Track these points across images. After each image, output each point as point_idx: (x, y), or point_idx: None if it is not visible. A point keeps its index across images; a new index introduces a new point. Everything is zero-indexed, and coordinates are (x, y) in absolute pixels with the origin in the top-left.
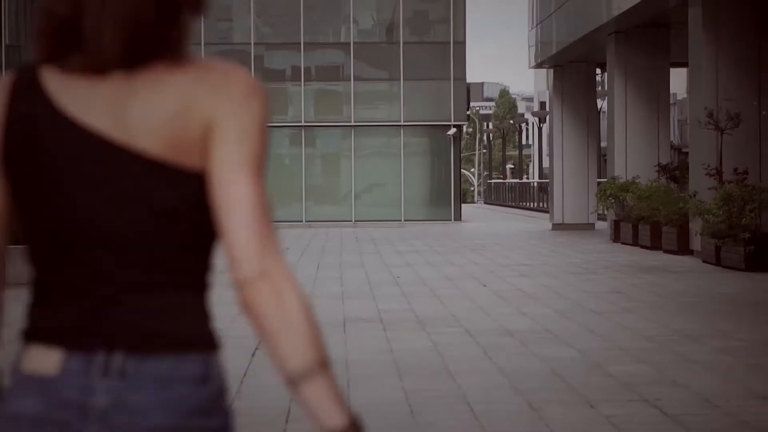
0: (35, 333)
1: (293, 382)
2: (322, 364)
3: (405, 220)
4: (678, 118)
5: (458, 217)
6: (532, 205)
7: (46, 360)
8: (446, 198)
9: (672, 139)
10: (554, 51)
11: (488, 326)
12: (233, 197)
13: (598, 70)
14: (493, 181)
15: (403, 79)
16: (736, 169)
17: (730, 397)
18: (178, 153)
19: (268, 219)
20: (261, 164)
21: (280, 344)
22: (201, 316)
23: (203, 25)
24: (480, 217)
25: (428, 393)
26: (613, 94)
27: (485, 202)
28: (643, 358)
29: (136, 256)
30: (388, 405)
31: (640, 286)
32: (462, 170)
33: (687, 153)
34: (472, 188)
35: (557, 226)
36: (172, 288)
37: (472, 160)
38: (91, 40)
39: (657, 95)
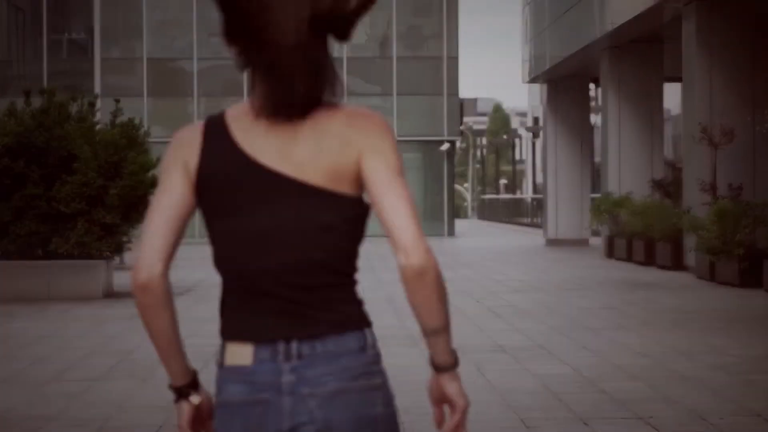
0: (231, 332)
1: (428, 334)
2: (447, 325)
3: None
4: (672, 134)
5: (452, 232)
6: (526, 221)
7: (242, 354)
8: (439, 213)
9: (666, 154)
10: (548, 66)
11: (481, 342)
12: (395, 199)
13: (592, 85)
14: (486, 196)
15: (396, 94)
16: (730, 185)
17: (724, 414)
18: (334, 182)
19: (416, 211)
20: (402, 171)
21: (424, 310)
22: (353, 303)
23: (196, 40)
24: (473, 233)
25: (420, 410)
26: (607, 110)
27: (479, 218)
28: (636, 374)
29: (306, 264)
30: None
31: (633, 302)
32: (455, 185)
33: (681, 168)
34: (465, 203)
35: (551, 242)
36: (331, 285)
37: (466, 176)
38: (286, 96)
39: (651, 110)
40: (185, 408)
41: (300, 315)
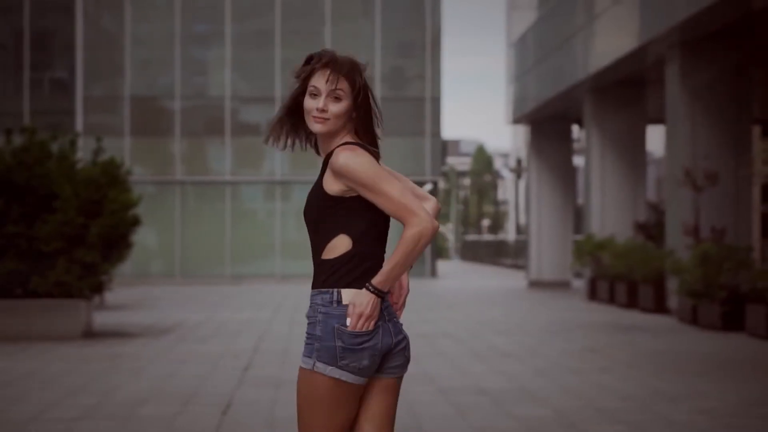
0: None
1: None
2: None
3: None
4: (655, 176)
5: (434, 273)
6: (508, 262)
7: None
8: (422, 254)
9: (649, 196)
10: (531, 107)
11: (463, 384)
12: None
13: (575, 127)
14: (469, 237)
15: (380, 135)
16: (713, 228)
17: None
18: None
19: (409, 199)
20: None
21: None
22: None
23: (180, 78)
24: (456, 274)
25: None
26: (590, 151)
27: (462, 259)
28: (619, 417)
29: None
30: None
31: (616, 345)
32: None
33: (664, 211)
34: (448, 244)
35: (533, 283)
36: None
37: (448, 216)
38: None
39: (634, 152)
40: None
41: None
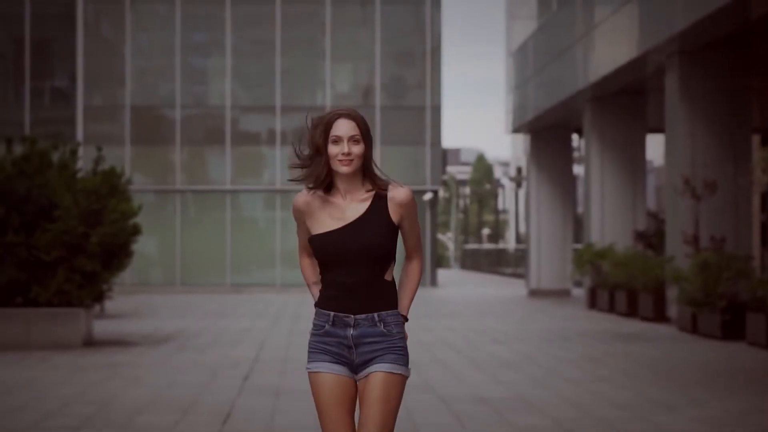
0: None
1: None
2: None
3: None
4: (655, 185)
5: (434, 282)
6: (508, 271)
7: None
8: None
9: (649, 205)
10: (531, 116)
11: (462, 393)
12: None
13: (575, 136)
14: (469, 246)
15: (380, 144)
16: (712, 237)
17: None
18: None
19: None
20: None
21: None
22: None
23: (180, 87)
24: (456, 282)
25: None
26: (590, 160)
27: (461, 267)
28: (617, 427)
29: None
30: None
31: (615, 354)
32: (438, 235)
33: (664, 220)
34: (448, 253)
35: (533, 292)
36: None
37: (448, 225)
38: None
39: (633, 161)
40: None
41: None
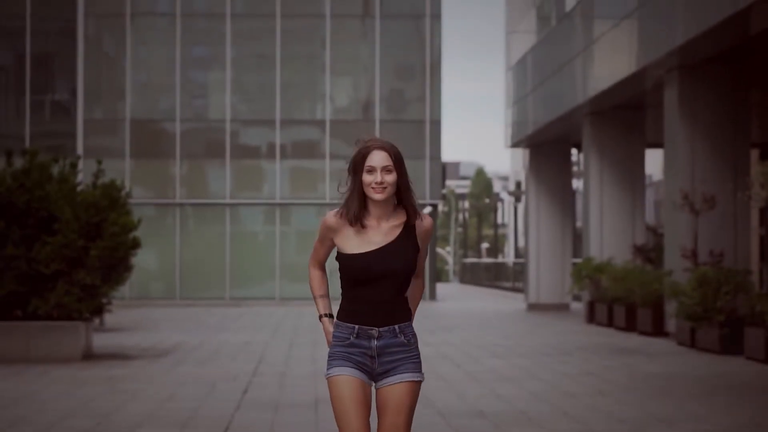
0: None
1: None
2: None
3: None
4: (654, 199)
5: (433, 296)
6: (507, 285)
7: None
8: None
9: (647, 219)
10: (530, 131)
11: (461, 407)
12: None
13: (574, 150)
14: (468, 260)
15: None
16: (711, 251)
17: None
18: None
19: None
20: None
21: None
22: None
23: (180, 101)
24: (455, 296)
25: None
26: (589, 175)
27: (461, 281)
28: None
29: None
30: None
31: (614, 368)
32: (437, 249)
33: (662, 234)
34: (447, 267)
35: (532, 306)
36: None
37: (448, 239)
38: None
39: (632, 176)
40: None
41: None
